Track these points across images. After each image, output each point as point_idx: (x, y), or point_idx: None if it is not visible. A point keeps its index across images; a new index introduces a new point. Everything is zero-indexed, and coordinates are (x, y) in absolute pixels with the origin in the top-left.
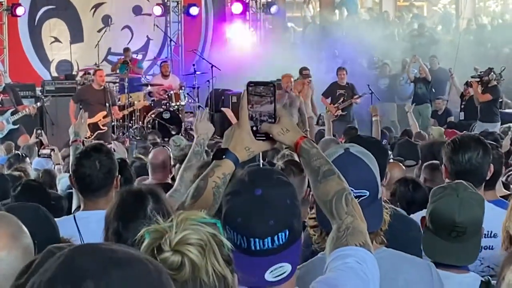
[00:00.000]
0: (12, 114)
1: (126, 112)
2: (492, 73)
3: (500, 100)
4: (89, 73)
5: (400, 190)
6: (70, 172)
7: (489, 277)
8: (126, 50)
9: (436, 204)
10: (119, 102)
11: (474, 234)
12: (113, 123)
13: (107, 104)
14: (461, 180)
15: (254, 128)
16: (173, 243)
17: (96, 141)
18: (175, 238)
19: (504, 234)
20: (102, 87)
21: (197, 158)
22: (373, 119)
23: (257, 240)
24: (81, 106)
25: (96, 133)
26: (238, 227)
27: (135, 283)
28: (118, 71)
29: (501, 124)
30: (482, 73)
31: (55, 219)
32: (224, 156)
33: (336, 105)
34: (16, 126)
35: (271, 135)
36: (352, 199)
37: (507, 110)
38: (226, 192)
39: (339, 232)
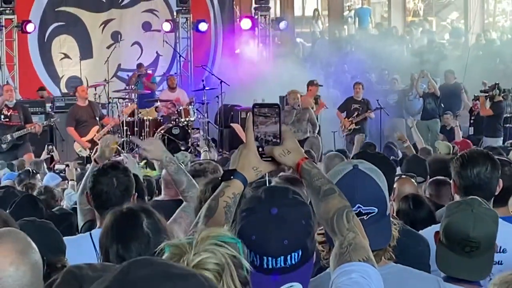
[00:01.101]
0: (18, 130)
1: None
2: (496, 88)
3: (506, 115)
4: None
5: (401, 208)
6: (87, 189)
7: None
8: (140, 66)
9: (451, 219)
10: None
11: (488, 249)
12: (123, 139)
13: (97, 118)
14: (475, 196)
15: (260, 149)
16: (190, 266)
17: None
18: (193, 261)
19: None
20: (87, 102)
21: (183, 174)
22: (404, 145)
23: (270, 258)
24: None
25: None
26: (252, 245)
27: None
28: (134, 87)
29: (510, 139)
30: (489, 88)
31: (70, 237)
32: (232, 177)
33: (350, 119)
34: (20, 142)
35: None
36: (353, 216)
37: None
38: (242, 208)
39: (342, 249)
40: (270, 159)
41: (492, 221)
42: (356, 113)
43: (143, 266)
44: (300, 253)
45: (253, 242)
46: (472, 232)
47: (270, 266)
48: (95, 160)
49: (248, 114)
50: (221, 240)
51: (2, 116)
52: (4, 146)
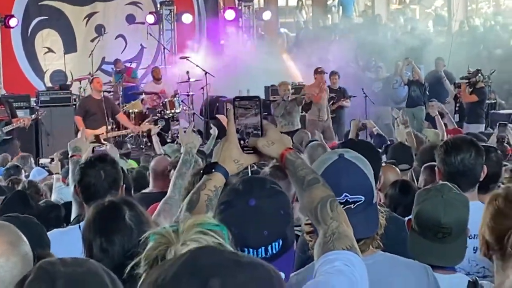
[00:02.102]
0: (6, 125)
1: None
2: (480, 74)
3: (490, 102)
4: (90, 81)
5: (389, 193)
6: (75, 182)
7: (477, 278)
8: (117, 61)
9: (422, 206)
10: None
11: (460, 234)
12: (109, 133)
13: (106, 116)
14: (445, 182)
15: (242, 142)
16: (178, 255)
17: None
18: (181, 251)
19: (481, 239)
20: (102, 95)
21: (187, 166)
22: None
23: (251, 250)
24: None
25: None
26: (232, 238)
27: (258, 286)
28: (115, 83)
29: (494, 125)
30: (471, 74)
31: (60, 229)
32: (213, 170)
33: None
34: (9, 137)
35: (257, 148)
36: (337, 205)
37: (501, 111)
38: (220, 201)
39: (325, 238)
40: (251, 151)
41: (462, 206)
42: (331, 102)
43: (212, 253)
44: (280, 243)
45: (233, 235)
46: (443, 218)
47: None
48: (71, 156)
49: (229, 107)
50: (206, 227)
51: None
52: None
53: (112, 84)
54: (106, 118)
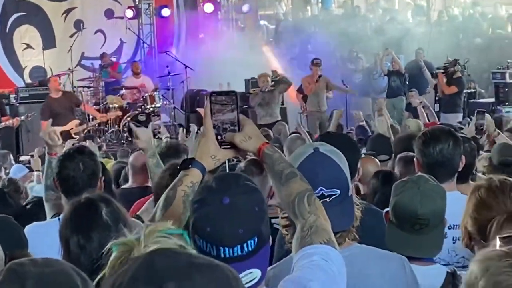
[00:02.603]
0: None
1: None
2: (458, 64)
3: (469, 91)
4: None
5: (372, 184)
6: (54, 174)
7: (455, 268)
8: (103, 55)
9: (398, 198)
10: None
11: (437, 226)
12: (89, 128)
13: (73, 109)
14: (422, 174)
15: (219, 137)
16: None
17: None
18: (142, 253)
19: (463, 230)
20: (61, 92)
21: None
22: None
23: (226, 248)
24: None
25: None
26: (207, 236)
27: (215, 287)
28: (99, 75)
29: (470, 114)
30: (448, 64)
31: (37, 222)
32: (190, 166)
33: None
34: None
35: (234, 143)
36: (314, 199)
37: (480, 100)
38: (194, 199)
39: (303, 232)
40: (229, 146)
41: (439, 197)
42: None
43: (167, 256)
44: (256, 240)
45: (208, 234)
46: (420, 210)
47: (227, 256)
48: (48, 153)
49: (206, 103)
50: (167, 232)
51: None
52: None
53: (92, 79)
54: (73, 110)
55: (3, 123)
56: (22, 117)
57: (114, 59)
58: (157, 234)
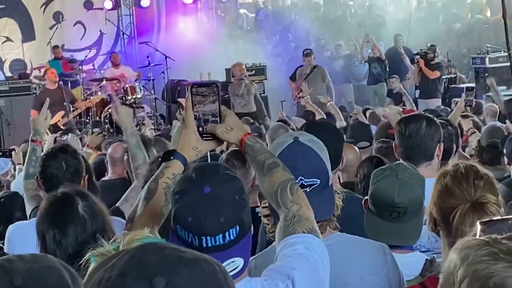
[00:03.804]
0: None
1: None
2: (438, 50)
3: (450, 76)
4: (43, 73)
5: (365, 171)
6: (37, 173)
7: (434, 255)
8: (55, 48)
9: (377, 186)
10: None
11: (415, 213)
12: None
13: (65, 103)
14: (401, 161)
15: (200, 129)
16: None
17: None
18: None
19: (428, 215)
20: (57, 85)
21: (142, 151)
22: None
23: (208, 237)
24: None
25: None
26: (189, 226)
27: (203, 282)
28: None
29: (451, 100)
30: (427, 50)
31: (22, 221)
32: (172, 157)
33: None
34: None
35: (216, 135)
36: (297, 188)
37: (461, 85)
38: (174, 190)
39: (286, 221)
40: (210, 138)
41: (418, 185)
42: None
43: (155, 250)
44: (237, 228)
45: (189, 224)
46: (398, 198)
47: (210, 245)
48: (32, 140)
49: (186, 95)
50: (145, 241)
51: None
52: None
53: (73, 72)
54: (65, 104)
55: None
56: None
57: (94, 51)
58: (136, 243)
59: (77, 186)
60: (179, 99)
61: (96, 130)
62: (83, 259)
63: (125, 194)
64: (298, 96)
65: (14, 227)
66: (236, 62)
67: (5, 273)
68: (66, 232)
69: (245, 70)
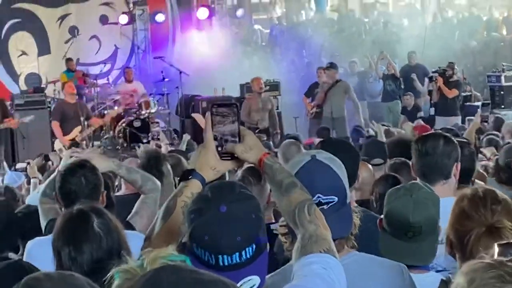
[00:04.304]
0: None
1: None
2: (456, 67)
3: (465, 94)
4: (62, 87)
5: (379, 190)
6: (56, 189)
7: (450, 275)
8: (68, 60)
9: (391, 205)
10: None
11: (430, 233)
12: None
13: (81, 118)
14: (416, 181)
15: (219, 149)
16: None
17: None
18: None
19: (446, 237)
20: (75, 99)
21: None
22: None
23: (225, 256)
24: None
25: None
26: (205, 245)
27: None
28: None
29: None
30: (445, 67)
31: (44, 237)
32: (190, 177)
33: (313, 103)
34: None
35: (235, 155)
36: (315, 209)
37: (475, 103)
38: (190, 209)
39: (303, 241)
40: (229, 158)
41: (432, 205)
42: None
43: (172, 272)
44: (254, 247)
45: (206, 243)
46: (412, 217)
47: (226, 264)
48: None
49: (206, 113)
50: (169, 259)
51: None
52: None
53: (87, 85)
54: (82, 119)
55: (5, 124)
56: (22, 119)
57: (109, 66)
58: (160, 261)
59: (93, 203)
60: (193, 114)
61: (96, 143)
62: (108, 275)
63: (135, 207)
64: (311, 112)
65: (33, 242)
66: (255, 77)
67: None
68: (81, 249)
69: (263, 85)
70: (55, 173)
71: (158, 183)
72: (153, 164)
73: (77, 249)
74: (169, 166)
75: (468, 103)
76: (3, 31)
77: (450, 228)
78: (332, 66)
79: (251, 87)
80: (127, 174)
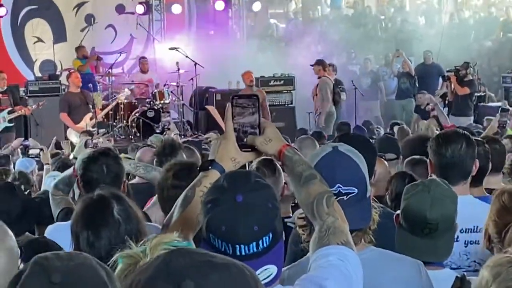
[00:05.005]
0: (9, 113)
1: (109, 108)
2: (470, 67)
3: (479, 94)
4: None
5: (395, 188)
6: (78, 176)
7: (464, 273)
8: (79, 48)
9: (409, 202)
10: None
11: (447, 230)
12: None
13: (89, 105)
14: (434, 178)
15: (239, 140)
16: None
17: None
18: None
19: (484, 232)
20: (79, 89)
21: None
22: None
23: (242, 246)
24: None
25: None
26: (222, 235)
27: (232, 286)
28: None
29: (482, 117)
30: (459, 67)
31: (61, 223)
32: (210, 167)
33: None
34: (11, 124)
35: (255, 146)
36: (333, 201)
37: (490, 104)
38: (206, 199)
39: (321, 233)
40: (249, 149)
41: (450, 202)
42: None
43: (185, 255)
44: (270, 236)
45: (223, 233)
46: (430, 214)
47: (243, 253)
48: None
49: (227, 105)
50: (173, 245)
51: None
52: None
53: (102, 74)
54: (90, 106)
55: (16, 112)
56: (34, 105)
57: (124, 55)
58: (163, 246)
59: (114, 189)
60: (206, 106)
61: (101, 130)
62: (111, 260)
63: (154, 199)
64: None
65: (53, 227)
66: (246, 71)
67: (44, 271)
68: (99, 234)
69: (253, 79)
70: (70, 170)
71: None
72: (168, 152)
73: (95, 234)
74: (184, 155)
75: (482, 104)
76: (19, 18)
77: (490, 222)
78: (316, 62)
79: (263, 81)
80: (145, 173)
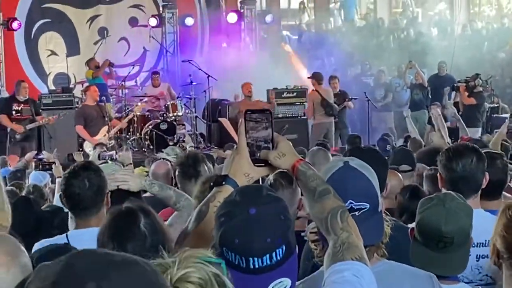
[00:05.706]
0: (30, 122)
1: (125, 120)
2: (479, 79)
3: (492, 106)
4: (85, 90)
5: (399, 200)
6: (61, 191)
7: (478, 287)
8: (90, 60)
9: (424, 215)
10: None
11: (462, 244)
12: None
13: (106, 119)
14: (450, 191)
15: (252, 155)
16: (174, 279)
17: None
18: (176, 274)
19: (492, 247)
20: (96, 102)
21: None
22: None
23: (255, 259)
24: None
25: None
26: (236, 248)
27: (134, 283)
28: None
29: (496, 129)
30: (469, 78)
31: (48, 239)
32: (224, 182)
33: None
34: (31, 134)
35: (269, 161)
36: (347, 216)
37: (503, 115)
38: (219, 213)
39: (335, 248)
40: (262, 164)
41: (465, 216)
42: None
43: (85, 257)
44: (284, 248)
45: (236, 246)
46: (445, 227)
47: (257, 266)
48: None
49: (240, 120)
50: (205, 260)
51: (14, 112)
52: (18, 136)
53: (115, 87)
54: (106, 119)
55: (37, 122)
56: (55, 116)
57: (137, 68)
58: (195, 260)
59: (97, 206)
60: (219, 119)
61: (111, 142)
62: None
63: (169, 220)
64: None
65: (74, 232)
66: (245, 82)
67: (48, 277)
68: (125, 247)
69: (252, 90)
70: None
71: (192, 199)
72: (191, 163)
73: (121, 246)
74: (206, 167)
75: (495, 115)
76: (33, 31)
77: (497, 237)
78: (311, 75)
79: (276, 93)
80: (160, 191)
